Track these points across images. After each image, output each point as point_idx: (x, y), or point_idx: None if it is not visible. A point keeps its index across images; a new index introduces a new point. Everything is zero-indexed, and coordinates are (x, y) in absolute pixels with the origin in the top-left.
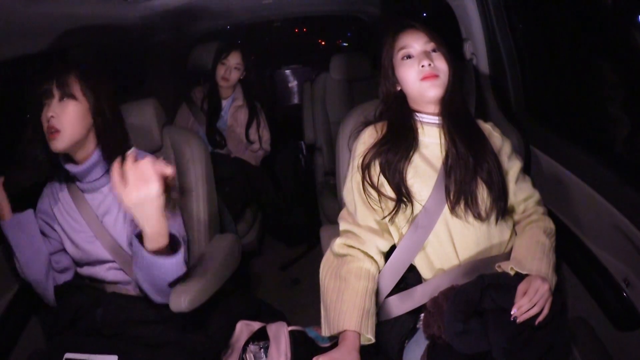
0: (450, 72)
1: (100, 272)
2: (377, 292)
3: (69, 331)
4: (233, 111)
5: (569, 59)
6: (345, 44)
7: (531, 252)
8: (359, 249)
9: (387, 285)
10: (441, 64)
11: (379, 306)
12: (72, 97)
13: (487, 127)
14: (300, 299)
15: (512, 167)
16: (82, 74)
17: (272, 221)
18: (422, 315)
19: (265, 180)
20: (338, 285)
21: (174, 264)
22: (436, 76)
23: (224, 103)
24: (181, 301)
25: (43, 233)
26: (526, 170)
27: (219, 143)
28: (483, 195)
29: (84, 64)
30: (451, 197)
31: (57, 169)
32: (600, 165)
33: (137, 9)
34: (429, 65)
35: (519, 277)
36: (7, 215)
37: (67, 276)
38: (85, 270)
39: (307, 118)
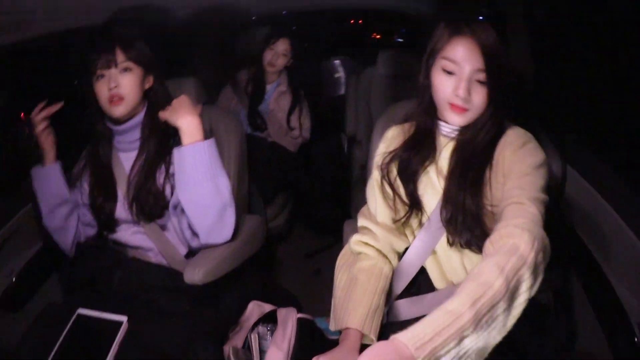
0: (486, 108)
1: (124, 235)
2: (388, 292)
3: (85, 290)
4: (276, 96)
5: (623, 83)
6: (400, 40)
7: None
8: (374, 246)
9: (398, 286)
10: (479, 99)
11: (389, 307)
12: (129, 68)
13: (512, 134)
14: (318, 289)
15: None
16: (133, 45)
17: (303, 209)
18: None
19: (301, 168)
20: (349, 281)
21: (208, 149)
22: (465, 110)
23: (268, 88)
24: (195, 273)
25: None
26: (560, 190)
27: (259, 126)
28: (473, 233)
29: (129, 37)
30: (445, 225)
31: (100, 127)
32: (635, 198)
33: None
34: (464, 99)
35: None
36: (49, 161)
37: (92, 231)
38: (110, 233)
39: (350, 111)
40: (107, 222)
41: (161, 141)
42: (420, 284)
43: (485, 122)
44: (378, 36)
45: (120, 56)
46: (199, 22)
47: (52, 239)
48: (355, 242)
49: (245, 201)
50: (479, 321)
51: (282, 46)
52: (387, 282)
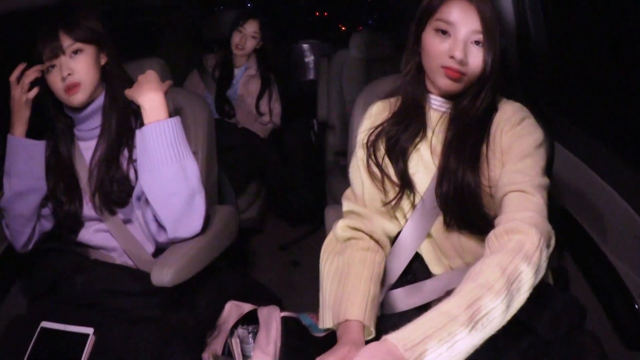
0: (482, 72)
1: (85, 234)
2: (382, 282)
3: (48, 298)
4: (245, 80)
5: (606, 55)
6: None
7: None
8: (364, 231)
9: (392, 274)
10: (476, 62)
11: (383, 298)
12: (79, 49)
13: (509, 109)
14: (297, 282)
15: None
16: (78, 24)
17: (277, 198)
18: None
19: (272, 154)
20: (340, 271)
21: (172, 127)
22: (460, 75)
23: (236, 72)
24: (164, 273)
25: None
26: (549, 167)
27: (227, 112)
28: (471, 211)
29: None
30: (441, 205)
31: (60, 119)
32: (630, 170)
33: None
34: (460, 61)
35: None
36: (19, 132)
37: (47, 225)
38: (70, 233)
39: (322, 95)
40: (69, 221)
41: (122, 123)
42: (416, 270)
43: (480, 90)
44: (344, 28)
45: (66, 40)
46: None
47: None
48: (342, 227)
49: (215, 190)
50: (475, 324)
51: (251, 28)
52: (381, 269)
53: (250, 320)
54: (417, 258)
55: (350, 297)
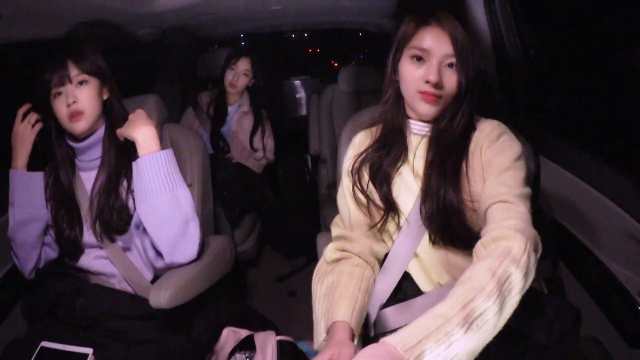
0: (457, 93)
1: (86, 260)
2: (373, 301)
3: (48, 319)
4: (238, 117)
5: (579, 66)
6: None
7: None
8: (351, 251)
9: (382, 294)
10: (450, 84)
11: (375, 318)
12: (85, 80)
13: (487, 126)
14: (295, 312)
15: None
16: (86, 57)
17: (272, 231)
18: None
19: (266, 189)
20: (329, 288)
21: (165, 158)
22: (436, 98)
23: (230, 109)
24: (161, 296)
25: None
26: (536, 181)
27: (222, 149)
28: (455, 227)
29: (81, 49)
30: (426, 223)
31: (62, 148)
32: (613, 172)
33: (152, 5)
34: (435, 85)
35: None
36: (20, 165)
37: (53, 254)
38: (71, 259)
39: (313, 129)
40: (70, 247)
41: (121, 155)
42: (406, 289)
43: (457, 111)
44: (336, 64)
45: (73, 70)
46: (160, 43)
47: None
48: (331, 250)
49: (211, 220)
50: (470, 325)
51: (242, 66)
52: (370, 283)
53: (247, 346)
54: (407, 277)
55: (338, 303)
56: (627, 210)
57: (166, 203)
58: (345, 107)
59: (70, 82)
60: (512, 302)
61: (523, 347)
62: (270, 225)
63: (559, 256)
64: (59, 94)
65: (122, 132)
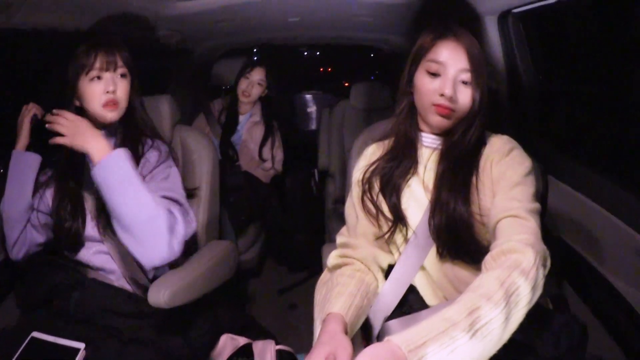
0: (471, 108)
1: (85, 254)
2: (377, 313)
3: (42, 310)
4: (249, 126)
5: (589, 87)
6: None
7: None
8: (354, 257)
9: (387, 305)
10: (464, 100)
11: (379, 330)
12: (124, 74)
13: (498, 141)
14: (294, 324)
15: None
16: (128, 52)
17: (275, 243)
18: None
19: (273, 199)
20: (328, 289)
21: (117, 159)
22: (450, 111)
23: (241, 118)
24: (160, 295)
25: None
26: (543, 199)
27: (231, 157)
28: (464, 241)
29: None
30: (434, 236)
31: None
32: (621, 190)
33: (173, 8)
34: (450, 98)
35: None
36: (19, 146)
37: (40, 238)
38: (70, 251)
39: (323, 144)
40: (71, 239)
41: (133, 150)
42: (412, 302)
43: (469, 125)
44: (347, 84)
45: (119, 60)
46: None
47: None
48: (333, 257)
49: (216, 226)
50: (475, 332)
51: (257, 75)
52: (369, 290)
53: (245, 354)
54: (412, 290)
55: (335, 297)
56: (636, 228)
57: (126, 202)
58: (356, 123)
59: (114, 70)
60: (519, 315)
61: None
62: (274, 236)
63: (563, 275)
64: (99, 78)
65: (67, 142)
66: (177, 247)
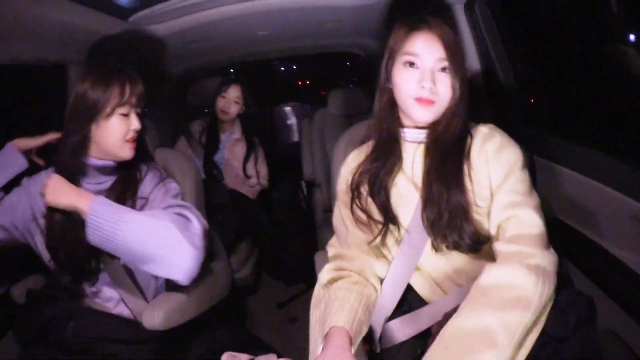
0: (452, 97)
1: (83, 283)
2: (377, 315)
3: (40, 343)
4: (231, 144)
5: (561, 61)
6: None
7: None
8: (349, 269)
9: (387, 307)
10: (444, 89)
11: (380, 332)
12: (140, 113)
13: (484, 131)
14: (296, 338)
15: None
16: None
17: (269, 258)
18: (430, 340)
19: (261, 215)
20: (325, 305)
21: (101, 206)
22: (432, 102)
23: (223, 137)
24: (155, 316)
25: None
26: (532, 182)
27: (215, 176)
28: (461, 231)
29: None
30: (429, 230)
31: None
32: (607, 158)
33: (141, 32)
34: (430, 89)
35: None
36: (21, 145)
37: (4, 233)
38: (67, 279)
39: (306, 154)
40: (69, 268)
41: (131, 179)
42: (411, 301)
43: (453, 114)
44: (323, 92)
45: (141, 100)
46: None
47: None
48: (327, 271)
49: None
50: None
51: (233, 93)
52: (369, 302)
53: None
54: (411, 289)
55: (337, 312)
56: (628, 193)
57: (128, 240)
58: (337, 129)
59: (138, 108)
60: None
61: (539, 342)
62: (267, 251)
63: (563, 253)
64: (125, 115)
65: (50, 201)
66: (199, 242)
